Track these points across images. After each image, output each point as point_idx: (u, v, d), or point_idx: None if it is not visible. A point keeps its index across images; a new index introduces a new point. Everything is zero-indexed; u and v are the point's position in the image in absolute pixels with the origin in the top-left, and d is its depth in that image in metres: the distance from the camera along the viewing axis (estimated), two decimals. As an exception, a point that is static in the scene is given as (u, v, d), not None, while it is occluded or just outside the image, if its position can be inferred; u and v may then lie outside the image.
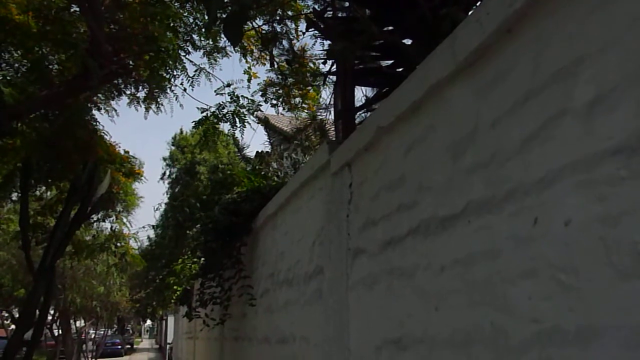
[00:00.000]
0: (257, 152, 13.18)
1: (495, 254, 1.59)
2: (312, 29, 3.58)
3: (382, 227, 2.48)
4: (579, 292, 1.28)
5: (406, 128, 2.29)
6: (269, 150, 13.34)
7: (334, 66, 3.52)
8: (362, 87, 4.34)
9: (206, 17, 7.82)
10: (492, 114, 1.70)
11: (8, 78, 5.86)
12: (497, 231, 1.59)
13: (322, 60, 3.55)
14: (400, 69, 3.62)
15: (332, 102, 5.40)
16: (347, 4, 3.49)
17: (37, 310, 10.49)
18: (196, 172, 21.67)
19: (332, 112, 4.82)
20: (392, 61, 3.63)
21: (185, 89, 7.88)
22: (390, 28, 3.39)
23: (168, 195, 24.57)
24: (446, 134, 1.98)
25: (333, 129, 6.55)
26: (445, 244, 1.89)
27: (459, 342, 1.77)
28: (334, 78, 4.22)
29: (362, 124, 2.85)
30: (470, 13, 3.02)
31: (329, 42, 3.68)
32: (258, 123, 10.57)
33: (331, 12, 3.47)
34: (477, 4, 3.12)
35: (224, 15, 2.99)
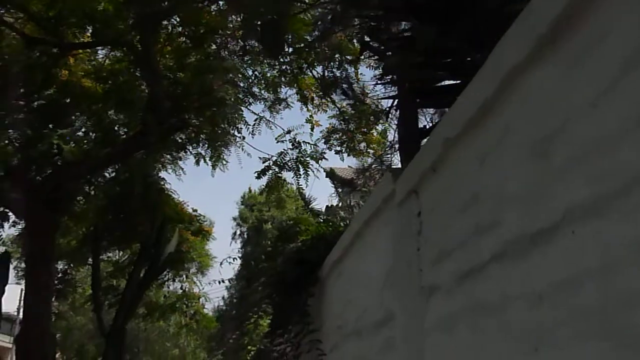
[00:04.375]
0: (327, 206, 12.97)
1: (613, 268, 1.19)
2: (367, 52, 3.33)
3: (458, 257, 2.10)
4: None
5: (477, 134, 1.94)
6: (338, 203, 13.08)
7: (393, 87, 3.23)
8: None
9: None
10: (588, 93, 1.33)
11: (67, 138, 5.94)
12: (612, 238, 1.20)
13: (380, 82, 3.26)
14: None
15: (396, 138, 5.07)
16: (403, 22, 3.22)
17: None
18: (263, 231, 21.65)
19: (398, 147, 4.52)
20: (459, 81, 3.30)
21: (244, 137, 7.85)
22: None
23: (240, 255, 24.63)
24: (527, 132, 1.62)
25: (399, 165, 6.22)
26: (541, 265, 1.50)
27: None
28: (397, 113, 3.90)
29: (426, 141, 2.53)
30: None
31: (383, 65, 3.40)
32: (326, 176, 10.38)
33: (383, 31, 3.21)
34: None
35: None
